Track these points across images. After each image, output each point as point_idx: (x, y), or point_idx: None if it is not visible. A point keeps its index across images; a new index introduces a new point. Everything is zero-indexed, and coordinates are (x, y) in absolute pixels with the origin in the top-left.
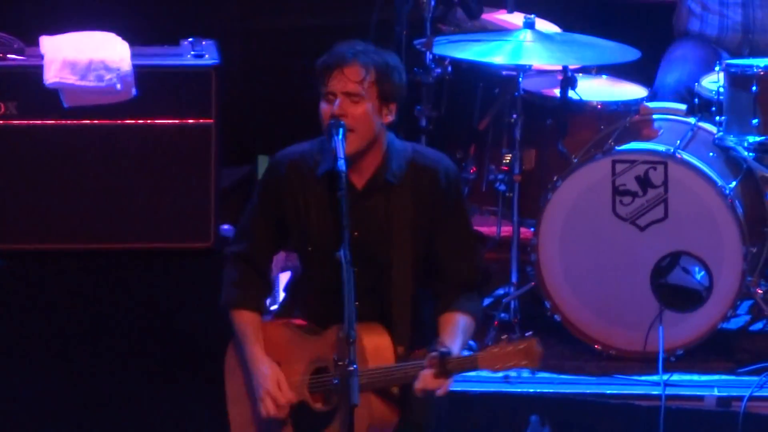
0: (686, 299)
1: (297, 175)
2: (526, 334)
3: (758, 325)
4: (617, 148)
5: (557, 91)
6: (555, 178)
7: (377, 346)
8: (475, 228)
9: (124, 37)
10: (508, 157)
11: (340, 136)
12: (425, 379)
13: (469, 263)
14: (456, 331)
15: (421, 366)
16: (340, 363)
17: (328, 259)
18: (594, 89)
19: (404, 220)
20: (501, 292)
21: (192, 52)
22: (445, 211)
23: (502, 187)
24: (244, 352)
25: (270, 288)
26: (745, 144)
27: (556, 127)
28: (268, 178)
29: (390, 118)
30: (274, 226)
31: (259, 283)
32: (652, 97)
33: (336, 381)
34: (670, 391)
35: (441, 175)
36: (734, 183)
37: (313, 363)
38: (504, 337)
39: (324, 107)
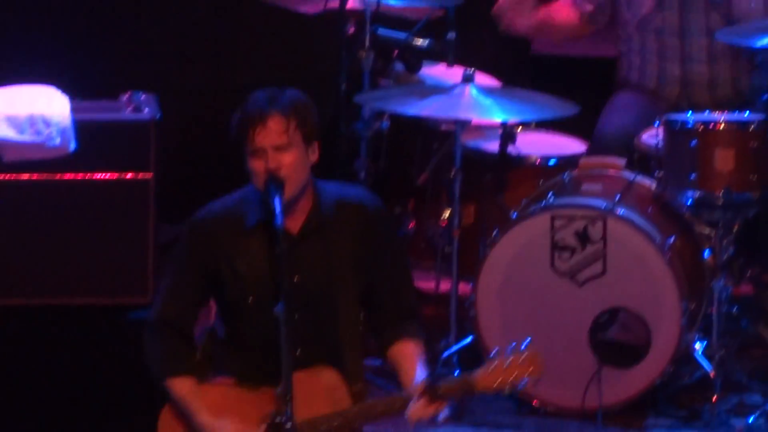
0: (625, 355)
1: (225, 229)
2: (523, 347)
3: (696, 381)
4: (556, 203)
5: (496, 146)
6: (494, 233)
7: (330, 388)
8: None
9: (64, 91)
10: (446, 212)
11: (278, 192)
12: (418, 409)
13: (408, 289)
14: (416, 359)
15: (406, 397)
16: (277, 421)
17: (269, 310)
18: (533, 144)
19: (343, 258)
20: (440, 347)
21: (131, 106)
22: (379, 243)
23: (441, 242)
24: (192, 421)
25: (196, 349)
26: (684, 199)
27: (496, 182)
28: (193, 237)
29: (315, 158)
30: (200, 286)
31: (188, 346)
32: (591, 150)
33: None
34: None
35: (370, 208)
36: (673, 238)
37: (267, 420)
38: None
39: (255, 164)
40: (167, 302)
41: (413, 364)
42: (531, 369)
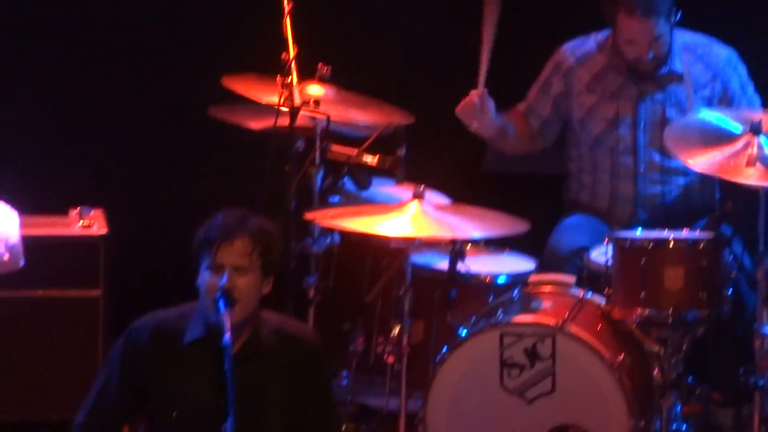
0: None
1: (161, 342)
2: None
3: None
4: (505, 320)
5: (446, 263)
6: (443, 350)
7: None
8: (363, 401)
9: (12, 206)
10: (396, 329)
11: (226, 309)
12: None
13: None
14: None
15: None
16: None
17: (193, 427)
18: (482, 261)
19: (273, 388)
20: None
21: (80, 222)
22: (312, 383)
23: (391, 359)
24: None
25: None
26: (633, 317)
27: (445, 300)
28: (126, 347)
29: (268, 290)
30: (129, 396)
31: None
32: (541, 268)
33: None
34: None
35: (307, 345)
36: (622, 356)
37: None
38: None
39: (210, 279)
40: (92, 410)
41: None
42: None
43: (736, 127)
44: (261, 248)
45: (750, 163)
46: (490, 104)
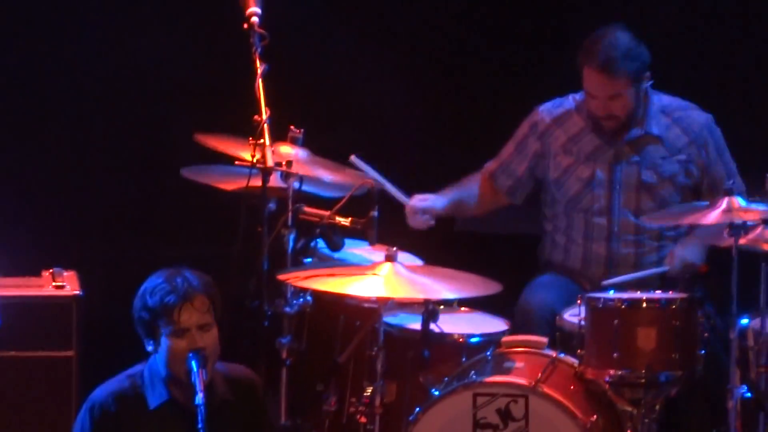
0: None
1: (127, 410)
2: None
3: None
4: (478, 380)
5: (419, 324)
6: (416, 411)
7: None
8: None
9: None
10: (369, 390)
11: (199, 370)
12: None
13: None
14: None
15: None
16: None
17: None
18: (455, 322)
19: None
20: None
21: (53, 283)
22: (266, 422)
23: (363, 420)
24: None
25: None
26: (606, 377)
27: (418, 360)
28: (97, 419)
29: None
30: None
31: None
32: (514, 327)
33: None
34: None
35: (258, 386)
36: (595, 417)
37: None
38: None
39: (177, 344)
40: None
41: None
42: None
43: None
44: (213, 299)
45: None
46: (420, 211)
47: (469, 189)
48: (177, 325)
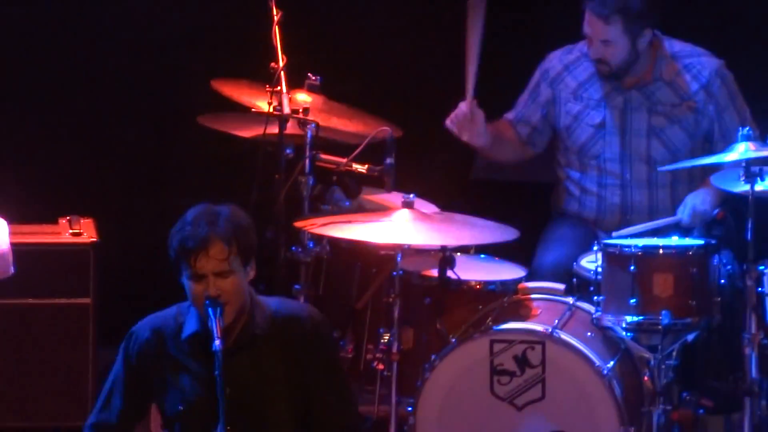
0: None
1: (161, 339)
2: None
3: None
4: (495, 327)
5: (436, 271)
6: (433, 358)
7: None
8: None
9: (2, 215)
10: (386, 337)
11: (218, 315)
12: None
13: (348, 408)
14: None
15: None
16: None
17: (199, 419)
18: (472, 269)
19: (275, 373)
20: None
21: (70, 230)
22: (315, 358)
23: (381, 367)
24: None
25: None
26: (623, 324)
27: (434, 307)
28: (130, 345)
29: (253, 274)
30: (138, 393)
31: None
32: (530, 277)
33: None
34: None
35: (306, 322)
36: (612, 363)
37: None
38: None
39: (195, 288)
40: (101, 411)
41: None
42: None
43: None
44: (236, 246)
45: None
46: (480, 114)
47: (500, 131)
48: (193, 270)
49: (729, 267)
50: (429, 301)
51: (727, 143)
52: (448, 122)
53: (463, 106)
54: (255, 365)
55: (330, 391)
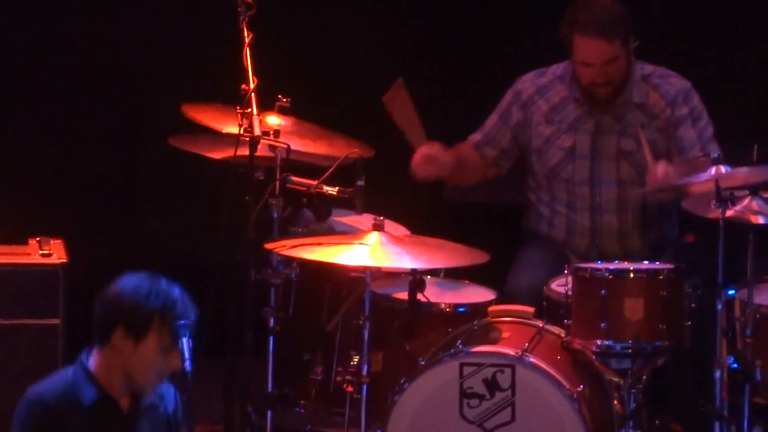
0: None
1: (64, 407)
2: None
3: None
4: (465, 350)
5: (406, 294)
6: (402, 381)
7: None
8: (323, 430)
9: None
10: (355, 359)
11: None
12: None
13: None
14: None
15: None
16: None
17: None
18: (442, 292)
19: None
20: None
21: (40, 251)
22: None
23: (350, 389)
24: None
25: None
26: (593, 348)
27: (404, 330)
28: (36, 414)
29: None
30: None
31: None
32: (501, 300)
33: None
34: None
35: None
36: (582, 386)
37: None
38: None
39: (177, 359)
40: None
41: None
42: None
43: None
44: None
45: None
46: (441, 149)
47: (465, 155)
48: (174, 343)
49: (699, 291)
50: (399, 324)
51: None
52: (415, 167)
53: (425, 150)
54: (150, 429)
55: None
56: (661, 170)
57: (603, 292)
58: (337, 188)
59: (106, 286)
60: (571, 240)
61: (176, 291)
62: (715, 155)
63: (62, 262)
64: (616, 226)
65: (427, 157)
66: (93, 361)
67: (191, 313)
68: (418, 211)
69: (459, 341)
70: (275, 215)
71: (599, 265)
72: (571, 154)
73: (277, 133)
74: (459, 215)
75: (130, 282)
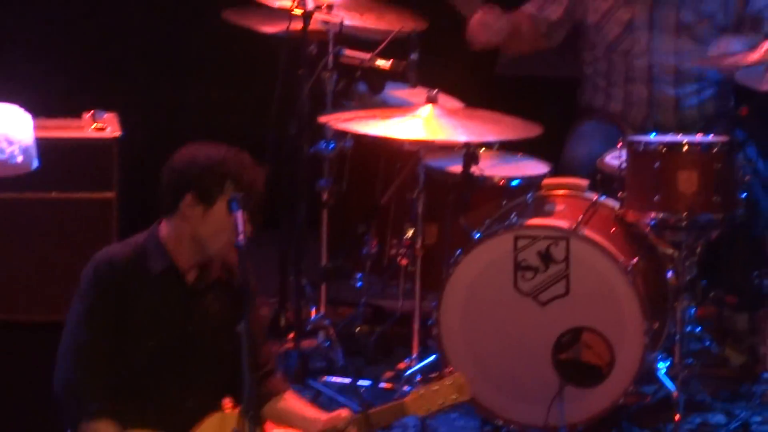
0: (587, 375)
1: (131, 272)
2: (446, 370)
3: (659, 401)
4: (519, 223)
5: (460, 167)
6: (457, 253)
7: None
8: (377, 304)
9: (27, 109)
10: (410, 232)
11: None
12: None
13: (270, 345)
14: (307, 404)
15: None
16: None
17: (168, 357)
18: (496, 164)
19: (226, 312)
20: (403, 365)
21: (94, 125)
22: (251, 300)
23: (404, 262)
24: None
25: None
26: (647, 220)
27: (458, 202)
28: (105, 276)
29: None
30: (109, 325)
31: (103, 386)
32: (555, 173)
33: None
34: None
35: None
36: (636, 259)
37: None
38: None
39: (234, 221)
40: (81, 340)
41: (311, 408)
42: (456, 395)
43: None
44: None
45: None
46: (496, 15)
47: (519, 22)
48: (244, 204)
49: (753, 163)
50: (453, 197)
51: (758, 33)
52: (467, 32)
53: (481, 15)
54: (212, 302)
55: (263, 329)
56: (722, 44)
57: (657, 164)
58: (390, 61)
59: (171, 155)
60: (627, 112)
61: (246, 156)
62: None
63: (116, 136)
64: (673, 99)
65: (482, 23)
66: (163, 231)
67: (261, 178)
68: (472, 84)
69: (513, 214)
70: (328, 89)
71: (653, 138)
72: (630, 27)
73: (330, 7)
74: (512, 89)
75: (200, 149)
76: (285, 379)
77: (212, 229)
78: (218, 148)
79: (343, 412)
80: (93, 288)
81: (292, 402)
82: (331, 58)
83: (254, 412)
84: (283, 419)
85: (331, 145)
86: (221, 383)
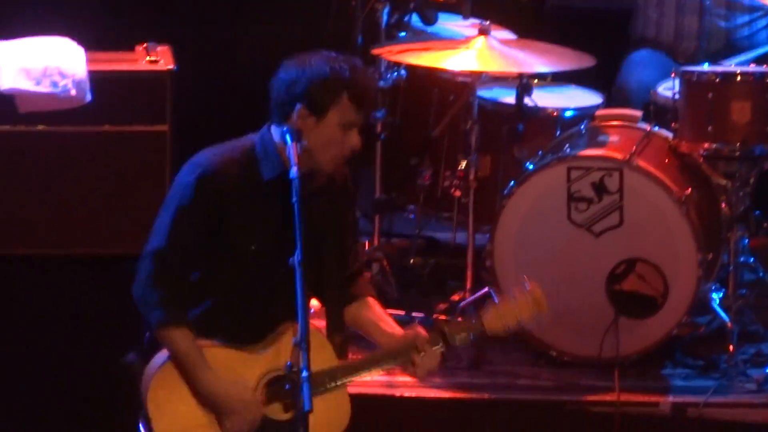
0: (641, 306)
1: (241, 181)
2: (524, 283)
3: (713, 331)
4: (572, 154)
5: (513, 98)
6: (510, 185)
7: (316, 346)
8: (431, 235)
9: (79, 42)
10: (463, 164)
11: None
12: (431, 360)
13: (360, 248)
14: (386, 314)
15: (410, 348)
16: (294, 370)
17: (268, 260)
18: (549, 96)
19: (332, 217)
20: (457, 297)
21: (147, 58)
22: (351, 201)
23: (458, 193)
24: (194, 377)
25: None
26: (701, 151)
27: (512, 134)
28: (202, 187)
29: None
30: (204, 232)
31: (185, 293)
32: (608, 103)
33: (288, 387)
34: (625, 397)
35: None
36: (689, 190)
37: (264, 377)
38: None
39: (357, 138)
40: (171, 244)
41: (388, 321)
42: (536, 308)
43: None
44: None
45: None
46: None
47: None
48: (356, 117)
49: None
50: (506, 128)
51: None
52: None
53: None
54: (320, 209)
55: (355, 233)
56: None
57: (710, 95)
58: None
59: (212, 92)
60: (679, 43)
61: (358, 63)
62: None
63: (169, 69)
64: (724, 30)
65: None
66: (276, 138)
67: (374, 86)
68: (524, 16)
69: (566, 145)
70: (382, 21)
71: (706, 68)
72: None
73: None
74: (564, 20)
75: (313, 59)
76: (369, 283)
77: (323, 141)
78: (328, 57)
79: (421, 330)
80: (190, 198)
81: (372, 310)
82: None
83: (307, 344)
84: (359, 325)
85: (385, 77)
86: (318, 287)
